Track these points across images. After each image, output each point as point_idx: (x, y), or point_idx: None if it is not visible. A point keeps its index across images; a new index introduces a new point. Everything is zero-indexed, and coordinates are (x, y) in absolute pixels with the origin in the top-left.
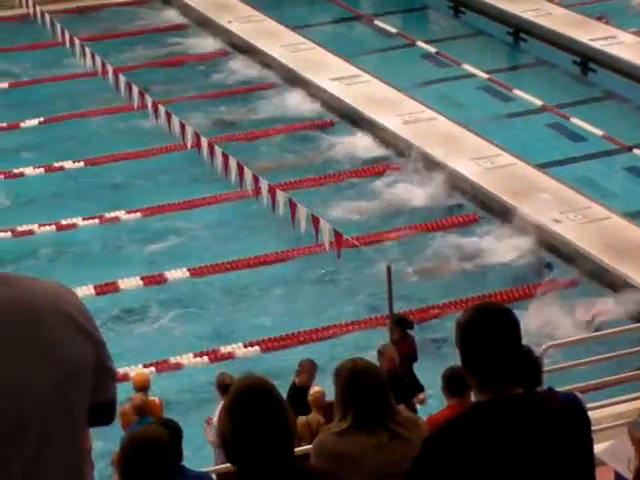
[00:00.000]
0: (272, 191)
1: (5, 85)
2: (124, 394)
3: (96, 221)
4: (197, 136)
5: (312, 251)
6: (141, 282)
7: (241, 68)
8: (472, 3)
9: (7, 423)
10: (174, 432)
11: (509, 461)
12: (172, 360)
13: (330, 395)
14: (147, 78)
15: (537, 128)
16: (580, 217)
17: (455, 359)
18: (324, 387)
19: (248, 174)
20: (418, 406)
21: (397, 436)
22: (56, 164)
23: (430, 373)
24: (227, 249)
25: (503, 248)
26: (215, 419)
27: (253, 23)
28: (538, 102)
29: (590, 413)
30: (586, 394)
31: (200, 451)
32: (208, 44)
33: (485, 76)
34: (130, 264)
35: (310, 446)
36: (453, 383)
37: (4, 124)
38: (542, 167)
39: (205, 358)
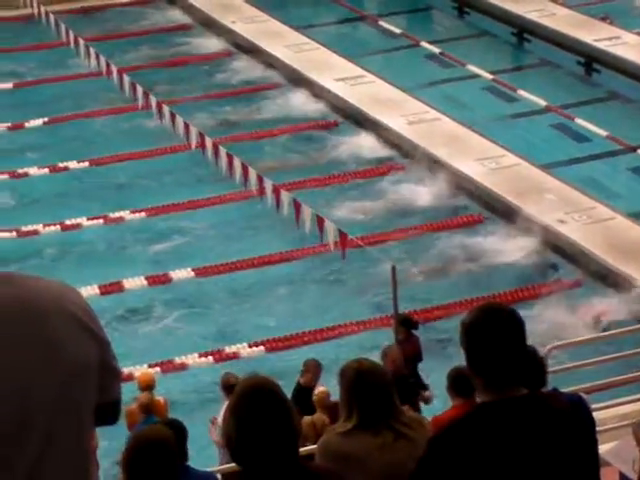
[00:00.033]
0: (276, 191)
1: (10, 85)
2: (129, 394)
3: (101, 221)
4: (201, 136)
5: (317, 251)
6: (146, 282)
7: (245, 68)
8: (476, 4)
9: (11, 423)
10: (179, 432)
11: (514, 462)
12: (177, 360)
13: (335, 395)
14: (151, 78)
15: (541, 128)
16: (585, 217)
17: (460, 359)
18: (329, 387)
19: (252, 174)
20: (423, 405)
21: (402, 436)
22: (60, 164)
23: (435, 373)
24: (231, 249)
25: (508, 248)
26: (220, 419)
27: (257, 23)
28: (542, 102)
29: (595, 414)
30: (591, 395)
31: (205, 451)
32: (212, 44)
33: (489, 76)
34: (135, 264)
35: (315, 446)
36: (458, 383)
37: (9, 124)
38: (546, 167)
39: (210, 358)
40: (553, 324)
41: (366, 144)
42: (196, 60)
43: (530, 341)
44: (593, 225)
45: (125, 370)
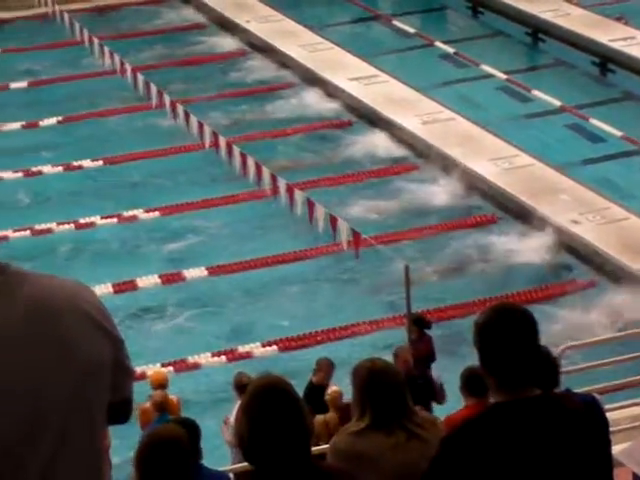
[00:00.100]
0: (290, 190)
1: (24, 84)
2: (142, 393)
3: (114, 220)
4: (215, 135)
5: (330, 250)
6: (159, 281)
7: (259, 68)
8: (491, 3)
9: (24, 422)
10: (192, 430)
11: (526, 462)
12: (190, 359)
13: (348, 395)
14: (165, 77)
15: (556, 129)
16: (599, 218)
17: (473, 359)
18: (342, 387)
19: (266, 173)
20: (435, 405)
21: (415, 436)
22: (75, 163)
23: (448, 373)
24: (245, 248)
25: (521, 248)
26: (232, 419)
27: (271, 23)
28: (557, 103)
29: (608, 414)
30: (604, 395)
31: (217, 450)
32: (227, 43)
33: (504, 76)
34: (148, 263)
35: (327, 445)
36: (471, 383)
37: (23, 123)
38: (561, 168)
39: (223, 357)
40: (567, 324)
41: (380, 143)
42: (210, 59)
43: (544, 341)
44: (607, 225)
45: (138, 369)
